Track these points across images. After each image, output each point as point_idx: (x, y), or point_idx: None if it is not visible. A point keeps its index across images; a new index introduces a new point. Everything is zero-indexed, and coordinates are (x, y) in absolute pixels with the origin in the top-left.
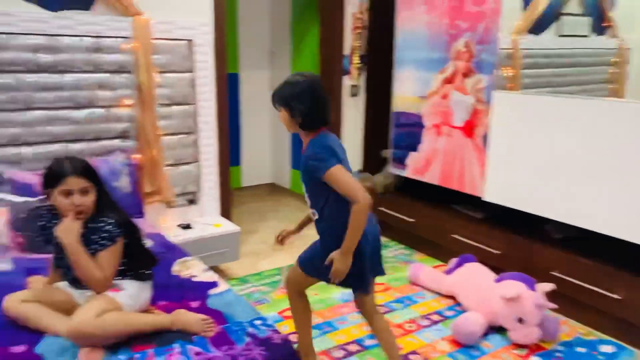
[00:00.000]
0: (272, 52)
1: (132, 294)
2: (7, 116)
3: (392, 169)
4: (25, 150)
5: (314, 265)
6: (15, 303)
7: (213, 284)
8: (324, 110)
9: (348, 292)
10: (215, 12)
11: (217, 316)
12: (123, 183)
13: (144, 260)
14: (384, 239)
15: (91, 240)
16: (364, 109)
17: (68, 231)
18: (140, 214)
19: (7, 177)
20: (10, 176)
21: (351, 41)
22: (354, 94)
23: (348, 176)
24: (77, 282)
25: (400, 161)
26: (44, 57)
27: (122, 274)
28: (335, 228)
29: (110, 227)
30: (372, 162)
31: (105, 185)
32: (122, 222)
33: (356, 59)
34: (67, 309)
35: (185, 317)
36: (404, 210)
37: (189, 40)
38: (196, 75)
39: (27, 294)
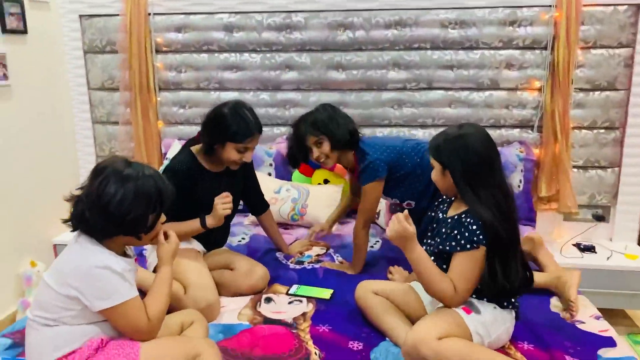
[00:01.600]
0: None
1: (487, 321)
2: (410, 96)
3: None
4: (421, 132)
5: None
6: (367, 293)
7: (608, 341)
8: None
9: None
10: None
11: None
12: (514, 180)
13: (512, 281)
14: None
15: (449, 236)
16: None
17: None
18: (529, 221)
19: None
20: None
21: None
22: None
23: None
24: None
25: None
26: (452, 33)
27: (478, 292)
28: None
29: (476, 228)
30: None
31: None
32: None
33: None
34: (411, 313)
35: None
36: None
37: (636, 6)
38: (637, 51)
39: (380, 286)
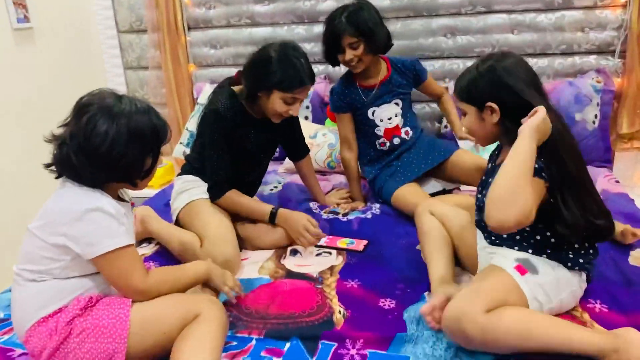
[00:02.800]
0: None
1: (547, 283)
2: (466, 21)
3: None
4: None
5: None
6: (424, 211)
7: None
8: None
9: None
10: None
11: None
12: (589, 115)
13: (592, 217)
14: None
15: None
16: None
17: None
18: (606, 162)
19: None
20: None
21: None
22: None
23: None
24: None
25: None
26: None
27: (536, 246)
28: None
29: None
30: None
31: None
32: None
33: None
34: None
35: None
36: None
37: None
38: None
39: (440, 208)
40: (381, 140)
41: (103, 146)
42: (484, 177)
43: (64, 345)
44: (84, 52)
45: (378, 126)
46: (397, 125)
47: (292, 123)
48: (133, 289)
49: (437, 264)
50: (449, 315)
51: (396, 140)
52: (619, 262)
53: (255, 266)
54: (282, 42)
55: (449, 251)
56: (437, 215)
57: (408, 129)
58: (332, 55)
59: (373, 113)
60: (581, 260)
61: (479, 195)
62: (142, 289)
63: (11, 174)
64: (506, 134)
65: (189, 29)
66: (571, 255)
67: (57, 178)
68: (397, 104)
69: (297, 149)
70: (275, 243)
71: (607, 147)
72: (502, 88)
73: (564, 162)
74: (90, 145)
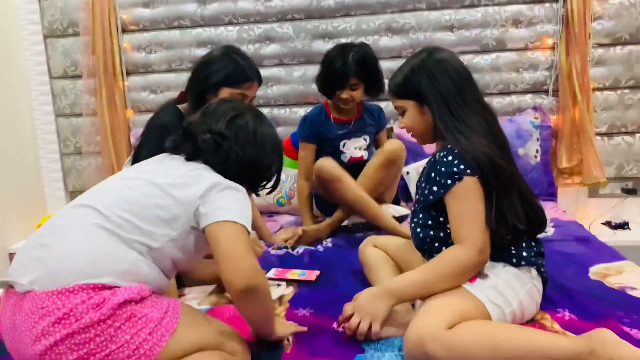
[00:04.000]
0: None
1: (498, 285)
2: None
3: None
4: None
5: None
6: (367, 245)
7: None
8: None
9: None
10: None
11: None
12: (531, 150)
13: (519, 218)
14: None
15: (428, 182)
16: None
17: None
18: (551, 195)
19: None
20: None
21: None
22: None
23: None
24: None
25: None
26: None
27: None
28: None
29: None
30: None
31: None
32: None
33: None
34: None
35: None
36: None
37: None
38: None
39: (381, 240)
40: (343, 164)
41: (263, 148)
42: (421, 178)
43: (102, 324)
44: (12, 99)
45: (344, 153)
46: (362, 156)
47: None
48: (243, 268)
49: (384, 279)
50: (410, 339)
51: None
52: (580, 276)
53: (194, 302)
54: (224, 45)
55: (395, 272)
56: (380, 245)
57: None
58: (330, 89)
59: (344, 145)
60: (524, 254)
61: (416, 196)
62: (244, 267)
63: None
64: (443, 127)
65: (128, 73)
66: (514, 251)
67: (187, 159)
68: (365, 139)
69: None
70: (215, 276)
71: (551, 181)
72: (436, 81)
73: (498, 164)
74: (254, 144)
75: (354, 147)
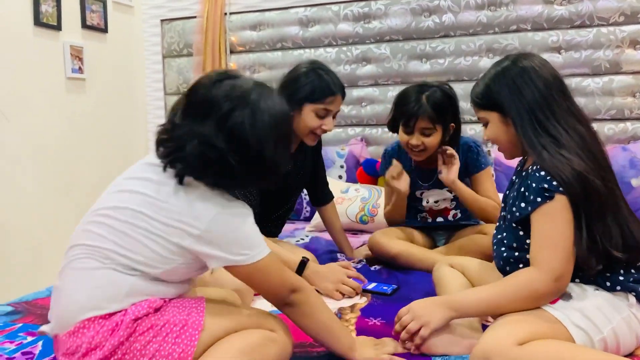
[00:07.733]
0: None
1: (586, 308)
2: None
3: None
4: None
5: None
6: (441, 265)
7: None
8: None
9: None
10: None
11: None
12: None
13: (615, 244)
14: None
15: (518, 197)
16: None
17: None
18: None
19: None
20: None
21: None
22: None
23: None
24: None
25: None
26: (558, 10)
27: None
28: None
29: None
30: None
31: None
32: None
33: None
34: None
35: None
36: None
37: None
38: None
39: (457, 260)
40: (423, 215)
41: (265, 148)
42: (507, 192)
43: (126, 343)
44: (130, 108)
45: (422, 204)
46: (446, 207)
47: (318, 162)
48: (281, 296)
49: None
50: (476, 354)
51: (439, 219)
52: None
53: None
54: (310, 60)
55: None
56: (456, 266)
57: (458, 212)
58: (397, 127)
59: (422, 194)
60: (621, 279)
61: (503, 213)
62: (294, 298)
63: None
64: (527, 141)
65: None
66: (608, 274)
67: (178, 180)
68: (449, 191)
69: (321, 193)
70: None
71: None
72: (520, 90)
73: (592, 184)
74: (254, 146)
75: (433, 200)
